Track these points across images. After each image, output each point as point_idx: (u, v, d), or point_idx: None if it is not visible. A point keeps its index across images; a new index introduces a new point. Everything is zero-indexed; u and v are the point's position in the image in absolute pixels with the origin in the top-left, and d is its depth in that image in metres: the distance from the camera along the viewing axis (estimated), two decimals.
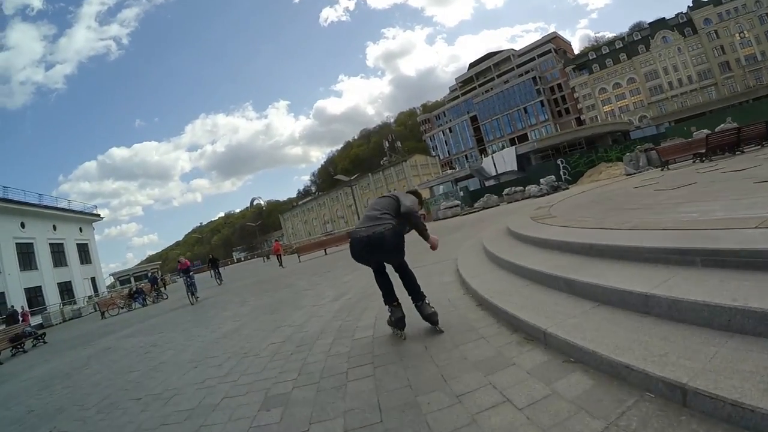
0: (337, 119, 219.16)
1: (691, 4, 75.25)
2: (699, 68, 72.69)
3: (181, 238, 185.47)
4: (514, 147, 47.24)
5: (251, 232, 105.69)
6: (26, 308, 26.44)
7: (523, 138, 77.69)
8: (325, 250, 24.24)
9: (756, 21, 67.36)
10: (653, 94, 76.72)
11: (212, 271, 23.76)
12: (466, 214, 28.50)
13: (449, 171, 68.52)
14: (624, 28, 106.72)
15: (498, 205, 29.24)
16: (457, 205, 30.46)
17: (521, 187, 29.09)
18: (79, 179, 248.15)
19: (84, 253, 42.02)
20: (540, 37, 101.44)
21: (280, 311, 7.70)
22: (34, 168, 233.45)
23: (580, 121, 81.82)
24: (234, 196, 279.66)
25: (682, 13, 75.85)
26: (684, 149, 15.24)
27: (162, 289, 40.82)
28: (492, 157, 47.43)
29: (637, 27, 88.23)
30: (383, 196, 4.52)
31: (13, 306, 26.05)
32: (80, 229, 42.13)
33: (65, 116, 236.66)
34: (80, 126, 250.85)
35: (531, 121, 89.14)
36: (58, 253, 37.58)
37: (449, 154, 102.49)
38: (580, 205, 9.15)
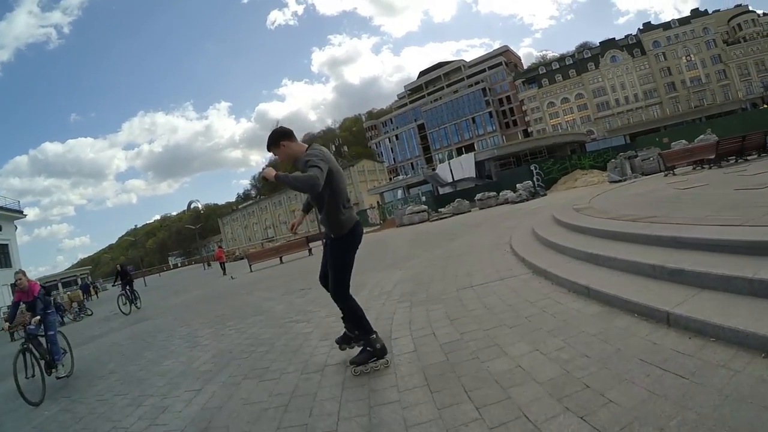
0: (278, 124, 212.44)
1: (641, 27, 78.86)
2: (645, 87, 75.53)
3: (114, 241, 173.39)
4: (472, 153, 45.93)
5: (189, 236, 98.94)
6: None
7: (470, 147, 77.31)
8: (280, 258, 20.62)
9: (703, 45, 71.12)
10: (600, 110, 78.78)
11: (123, 289, 14.69)
12: (436, 219, 25.81)
13: (401, 177, 66.45)
14: (565, 49, 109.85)
15: (470, 210, 26.83)
16: (424, 211, 27.83)
17: (494, 193, 26.95)
18: (9, 174, 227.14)
19: (3, 255, 35.75)
20: (491, 50, 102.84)
21: (271, 367, 4.29)
22: None
23: (527, 133, 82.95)
24: (171, 198, 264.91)
25: (631, 34, 79.69)
26: (687, 155, 14.91)
27: (91, 297, 36.11)
28: (449, 164, 45.80)
29: (584, 46, 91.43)
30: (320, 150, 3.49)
31: None
32: None
33: None
34: (13, 117, 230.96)
35: (479, 131, 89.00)
36: None
37: (395, 161, 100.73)
38: (630, 203, 8.31)
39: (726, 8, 75.54)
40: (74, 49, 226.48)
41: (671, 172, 14.24)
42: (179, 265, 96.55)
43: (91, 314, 19.00)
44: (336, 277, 3.50)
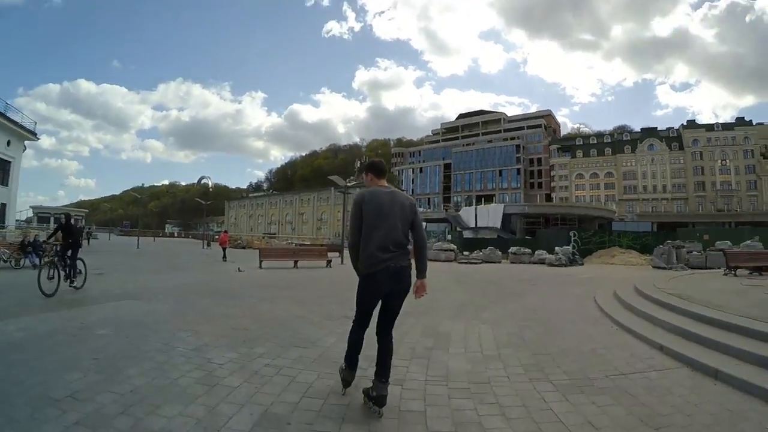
0: (306, 127, 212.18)
1: (685, 123, 78.21)
2: (675, 180, 74.08)
3: (118, 193, 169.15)
4: (502, 205, 44.45)
5: (192, 209, 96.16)
6: None
7: (490, 198, 75.92)
8: (296, 262, 18.18)
9: (740, 153, 69.93)
10: (626, 192, 77.07)
11: (60, 255, 9.22)
12: (465, 262, 23.48)
13: (421, 209, 64.75)
14: (599, 128, 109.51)
15: (500, 262, 24.56)
16: (452, 250, 25.48)
17: (528, 250, 24.66)
18: (38, 98, 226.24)
19: (3, 171, 33.08)
20: (533, 110, 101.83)
21: None
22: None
23: (549, 197, 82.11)
24: (184, 168, 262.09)
25: (673, 128, 78.32)
26: (751, 259, 14.74)
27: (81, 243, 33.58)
28: (475, 209, 44.34)
29: (623, 129, 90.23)
30: (390, 190, 3.55)
31: None
32: (8, 142, 32.97)
33: (49, 27, 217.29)
34: (58, 44, 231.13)
35: (503, 184, 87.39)
36: None
37: (413, 192, 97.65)
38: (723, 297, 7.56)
39: None
40: None
41: (733, 272, 13.36)
42: (175, 234, 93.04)
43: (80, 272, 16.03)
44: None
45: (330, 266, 18.50)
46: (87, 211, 76.54)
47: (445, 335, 5.98)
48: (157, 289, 9.88)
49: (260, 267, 17.17)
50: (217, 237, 26.69)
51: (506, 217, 40.78)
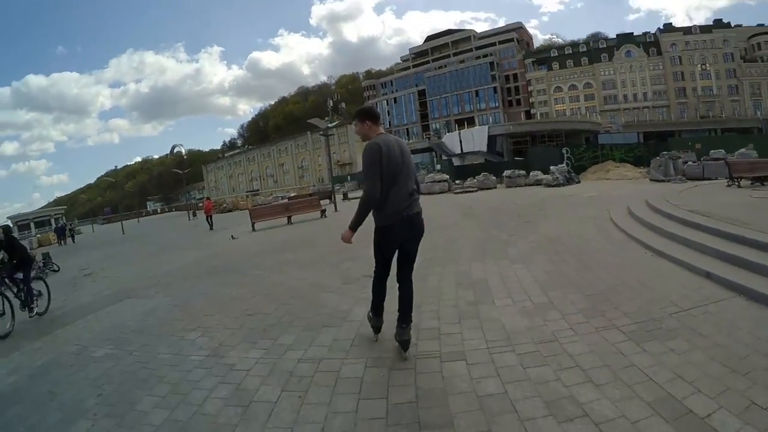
0: (271, 74, 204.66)
1: (662, 27, 76.06)
2: (655, 87, 72.86)
3: (93, 181, 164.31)
4: (486, 126, 43.17)
5: (170, 181, 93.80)
6: None
7: (470, 120, 71.65)
8: (289, 218, 17.29)
9: (720, 57, 68.90)
10: (606, 103, 75.72)
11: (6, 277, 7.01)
12: (460, 192, 22.84)
13: (407, 140, 63.50)
14: (571, 37, 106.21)
15: (496, 187, 23.92)
16: (445, 180, 24.79)
17: (523, 171, 24.06)
18: None
19: None
20: (502, 25, 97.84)
21: None
22: None
23: (529, 114, 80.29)
24: (154, 141, 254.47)
25: (650, 32, 76.43)
26: (752, 169, 14.10)
27: (66, 241, 31.71)
28: (459, 134, 42.35)
29: (597, 36, 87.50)
30: (395, 138, 3.66)
31: None
32: None
33: None
34: None
35: (480, 105, 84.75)
36: None
37: (390, 125, 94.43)
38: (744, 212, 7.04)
39: (748, 25, 74.29)
40: None
41: (736, 183, 12.96)
42: (158, 211, 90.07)
43: (57, 270, 14.31)
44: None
45: (325, 216, 17.77)
46: (66, 207, 73.89)
47: (482, 283, 5.44)
48: (152, 278, 8.96)
49: (253, 230, 16.36)
50: (201, 205, 25.51)
51: (491, 139, 39.12)
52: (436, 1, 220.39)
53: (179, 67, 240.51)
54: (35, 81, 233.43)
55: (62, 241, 32.05)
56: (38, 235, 38.06)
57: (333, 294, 5.66)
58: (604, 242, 7.19)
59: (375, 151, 3.32)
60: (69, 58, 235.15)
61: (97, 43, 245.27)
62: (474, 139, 39.82)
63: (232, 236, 15.20)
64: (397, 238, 3.44)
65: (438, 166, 33.39)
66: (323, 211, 18.04)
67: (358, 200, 3.44)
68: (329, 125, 26.13)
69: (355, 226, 3.35)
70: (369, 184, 3.32)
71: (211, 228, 21.10)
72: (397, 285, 3.59)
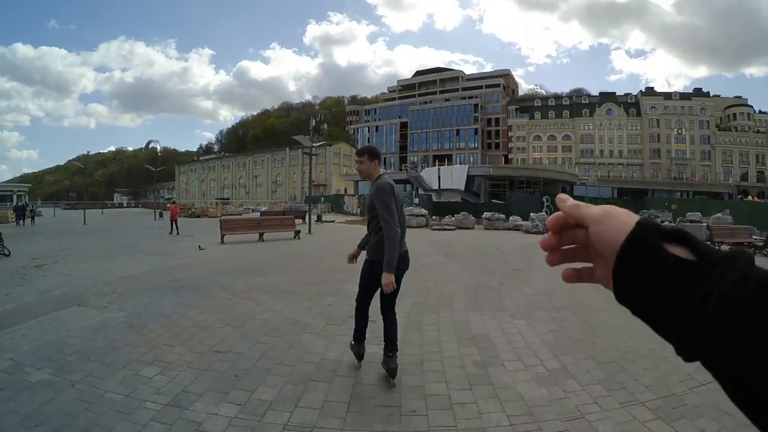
0: (257, 85, 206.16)
1: (643, 90, 79.88)
2: (631, 146, 75.52)
3: (62, 163, 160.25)
4: (466, 166, 43.52)
5: (141, 176, 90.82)
6: None
7: (449, 158, 71.82)
8: (261, 235, 16.43)
9: (696, 123, 72.13)
10: (583, 156, 77.43)
11: None
12: (438, 228, 22.35)
13: (381, 170, 63.28)
14: (554, 90, 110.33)
15: (473, 227, 23.56)
16: (423, 215, 24.27)
17: (503, 215, 23.83)
18: None
19: None
20: (490, 70, 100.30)
21: None
22: None
23: (507, 159, 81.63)
24: (130, 132, 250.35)
25: (631, 94, 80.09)
26: (731, 235, 15.01)
27: (24, 222, 30.56)
28: (438, 170, 42.93)
29: (580, 92, 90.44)
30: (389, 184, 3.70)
31: None
32: None
33: None
34: None
35: (460, 144, 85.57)
36: None
37: None
38: None
39: (726, 95, 78.54)
40: None
41: (718, 247, 12.63)
42: (124, 204, 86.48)
43: (8, 255, 12.96)
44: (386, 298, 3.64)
45: (299, 237, 16.97)
46: (30, 185, 70.73)
47: (485, 339, 4.94)
48: (107, 283, 8.08)
49: (222, 242, 15.42)
50: (169, 206, 24.24)
51: (470, 179, 39.61)
52: (429, 39, 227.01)
53: (168, 63, 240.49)
54: (22, 50, 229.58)
55: (21, 221, 30.30)
56: None
57: (317, 336, 4.96)
58: (602, 301, 6.59)
59: (390, 190, 3.52)
60: (60, 33, 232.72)
61: (91, 23, 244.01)
62: (453, 177, 40.21)
63: (199, 246, 14.21)
64: (402, 270, 3.60)
65: (416, 200, 32.96)
66: (297, 232, 17.24)
67: (387, 237, 3.41)
68: (314, 144, 25.41)
69: (392, 267, 3.35)
70: (391, 222, 3.41)
71: (177, 232, 20.04)
72: (381, 316, 3.68)
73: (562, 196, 0.53)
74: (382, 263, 3.38)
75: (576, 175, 52.47)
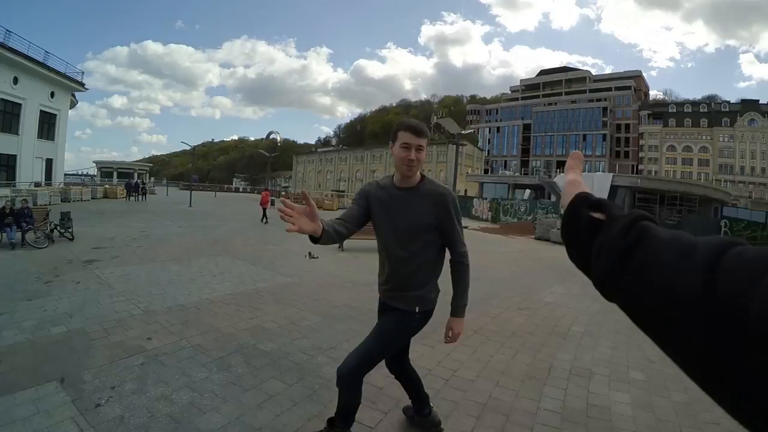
0: (373, 83, 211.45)
1: None
2: None
3: (188, 148, 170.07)
4: (611, 174, 39.64)
5: (260, 164, 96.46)
6: None
7: None
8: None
9: None
10: (721, 172, 68.34)
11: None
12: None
13: (508, 172, 62.72)
14: (680, 96, 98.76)
15: None
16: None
17: None
18: (107, 60, 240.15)
19: (48, 125, 31.15)
20: (622, 71, 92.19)
21: None
22: (64, 36, 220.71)
23: (637, 170, 73.81)
24: (252, 124, 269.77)
25: None
26: None
27: (137, 197, 32.81)
28: None
29: (713, 99, 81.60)
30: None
31: None
32: (51, 94, 30.93)
33: None
34: (125, 7, 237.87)
35: (587, 151, 78.73)
36: (8, 114, 27.02)
37: (489, 153, 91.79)
38: None
39: None
40: None
41: None
42: (240, 189, 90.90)
43: (71, 239, 11.58)
44: None
45: None
46: (151, 165, 78.74)
47: None
48: (144, 318, 5.34)
49: (341, 248, 12.36)
50: (284, 193, 24.39)
51: (612, 190, 35.88)
52: (545, 39, 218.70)
53: (287, 61, 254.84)
54: (152, 47, 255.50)
55: (133, 197, 31.79)
56: (106, 186, 36.90)
57: None
58: None
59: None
60: (186, 32, 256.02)
61: (215, 24, 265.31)
62: (594, 186, 34.06)
63: (310, 254, 10.89)
64: None
65: (552, 210, 31.86)
66: None
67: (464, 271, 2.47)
68: (462, 131, 21.76)
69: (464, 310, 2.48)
70: (466, 248, 2.49)
71: (266, 221, 19.55)
72: (403, 374, 2.86)
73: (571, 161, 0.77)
74: (430, 312, 2.51)
75: (729, 193, 47.70)
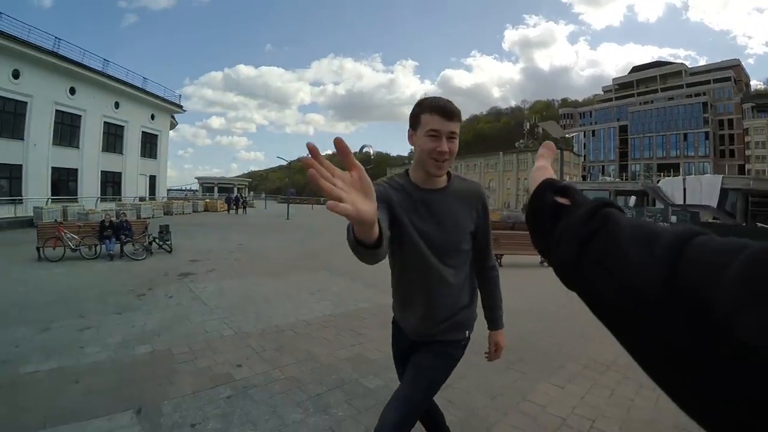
0: (461, 92, 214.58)
1: None
2: None
3: (285, 163, 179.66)
4: (720, 176, 37.41)
5: None
6: None
7: (675, 167, 63.98)
8: (498, 257, 12.28)
9: None
10: None
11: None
12: None
13: (608, 178, 63.09)
14: None
15: None
16: None
17: None
18: (203, 85, 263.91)
19: (150, 144, 35.13)
20: (718, 60, 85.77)
21: None
22: (164, 65, 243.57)
23: (743, 169, 67.68)
24: (346, 138, 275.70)
25: None
26: None
27: (237, 210, 34.96)
28: (684, 180, 37.97)
29: None
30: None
31: None
32: (152, 116, 35.03)
33: (202, 25, 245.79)
34: (215, 36, 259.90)
35: (689, 151, 74.28)
36: (112, 135, 30.45)
37: (586, 159, 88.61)
38: None
39: None
40: None
41: None
42: None
43: (170, 251, 12.14)
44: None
45: (544, 264, 11.46)
46: (250, 180, 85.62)
47: None
48: (236, 342, 5.15)
49: None
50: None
51: (723, 194, 34.22)
52: (632, 33, 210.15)
53: (375, 76, 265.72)
54: (245, 70, 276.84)
55: (234, 211, 34.08)
56: (207, 200, 39.07)
57: None
58: None
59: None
60: (276, 55, 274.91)
61: (302, 45, 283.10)
62: (702, 190, 35.39)
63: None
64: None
65: (673, 218, 30.12)
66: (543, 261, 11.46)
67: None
68: (566, 134, 22.47)
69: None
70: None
71: None
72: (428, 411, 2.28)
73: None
74: (465, 332, 2.00)
75: None
